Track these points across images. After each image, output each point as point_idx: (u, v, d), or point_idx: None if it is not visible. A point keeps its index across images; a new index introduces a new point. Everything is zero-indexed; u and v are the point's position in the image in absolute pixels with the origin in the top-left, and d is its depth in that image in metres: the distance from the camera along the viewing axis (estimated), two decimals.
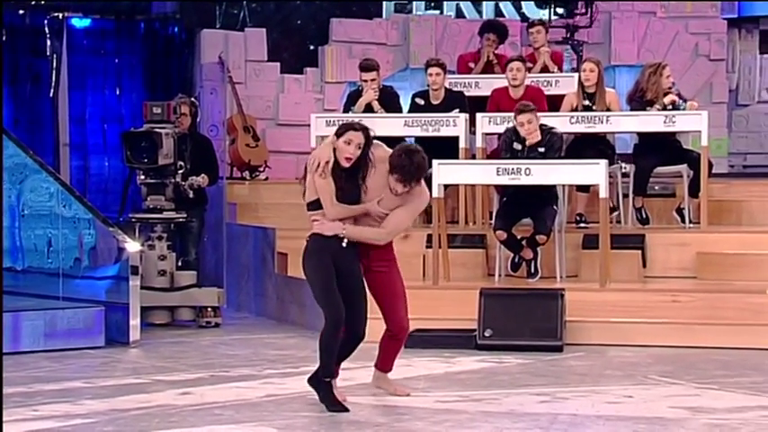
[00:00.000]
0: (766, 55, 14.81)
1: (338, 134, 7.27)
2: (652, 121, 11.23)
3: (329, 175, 7.20)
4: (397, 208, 7.36)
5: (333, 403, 7.26)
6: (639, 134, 11.56)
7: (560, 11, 14.40)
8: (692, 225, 11.32)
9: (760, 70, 14.80)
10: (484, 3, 14.95)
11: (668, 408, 7.50)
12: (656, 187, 11.74)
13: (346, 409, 7.23)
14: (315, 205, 7.30)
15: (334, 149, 7.22)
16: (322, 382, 7.32)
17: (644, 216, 11.50)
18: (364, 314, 7.41)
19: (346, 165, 7.21)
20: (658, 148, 11.34)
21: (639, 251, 10.88)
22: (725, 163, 13.92)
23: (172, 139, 11.09)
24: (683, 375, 8.53)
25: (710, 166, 11.56)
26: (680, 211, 11.45)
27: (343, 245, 7.30)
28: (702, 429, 6.93)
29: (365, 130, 7.30)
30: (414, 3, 15.15)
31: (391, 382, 7.90)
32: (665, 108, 11.19)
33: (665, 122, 11.18)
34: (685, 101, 11.44)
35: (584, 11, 14.29)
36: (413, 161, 7.22)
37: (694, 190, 11.26)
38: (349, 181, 7.28)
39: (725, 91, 14.52)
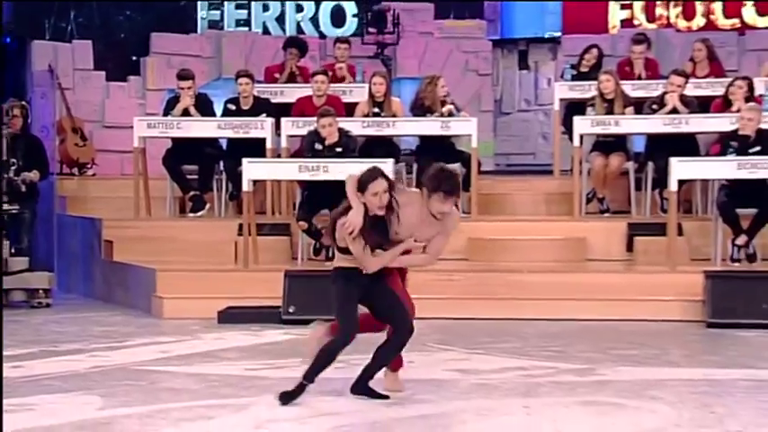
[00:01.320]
0: (524, 71, 15.20)
1: (361, 189, 6.46)
2: (430, 126, 11.43)
3: (359, 234, 6.40)
4: (436, 235, 6.66)
5: (285, 402, 6.53)
6: (421, 137, 11.73)
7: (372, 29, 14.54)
8: (464, 215, 11.48)
9: (519, 84, 15.19)
10: (287, 20, 15.00)
11: (443, 370, 7.64)
12: None
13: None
14: (347, 250, 6.54)
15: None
16: (302, 383, 6.56)
17: None
18: (407, 315, 6.73)
19: (382, 213, 6.40)
20: (436, 150, 11.50)
21: None
22: (491, 162, 14.18)
23: (4, 138, 10.93)
24: (455, 342, 8.68)
25: (479, 164, 11.80)
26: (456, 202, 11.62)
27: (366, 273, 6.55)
28: (471, 388, 7.08)
29: (383, 174, 6.47)
30: (225, 20, 15.09)
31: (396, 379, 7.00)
32: (442, 115, 11.41)
33: (441, 127, 11.41)
34: (459, 110, 11.68)
35: (392, 29, 14.45)
36: (451, 175, 6.56)
37: (466, 185, 11.45)
38: (378, 229, 6.45)
39: (491, 101, 14.82)
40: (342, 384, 6.98)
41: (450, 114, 11.48)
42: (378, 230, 6.44)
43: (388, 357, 6.75)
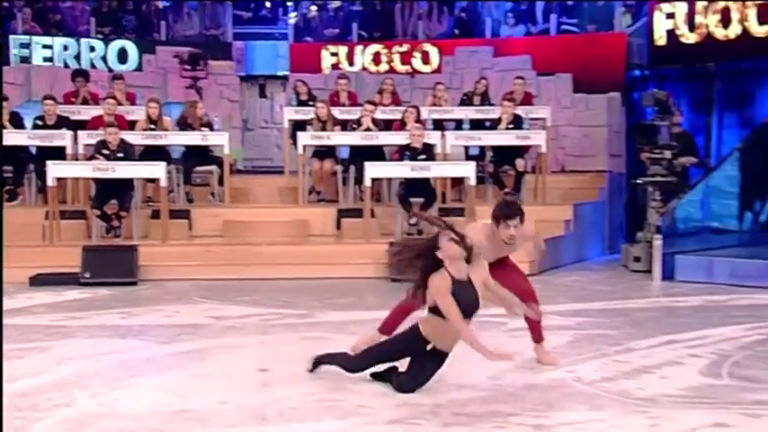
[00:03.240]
0: (263, 99, 15.15)
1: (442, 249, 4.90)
2: (193, 138, 11.22)
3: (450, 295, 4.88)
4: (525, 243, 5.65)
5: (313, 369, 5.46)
6: (186, 146, 11.49)
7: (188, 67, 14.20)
8: (221, 202, 11.40)
9: (260, 108, 15.13)
10: (82, 58, 14.37)
11: (202, 317, 7.55)
12: (198, 179, 11.72)
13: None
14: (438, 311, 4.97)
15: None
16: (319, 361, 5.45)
17: (190, 197, 11.47)
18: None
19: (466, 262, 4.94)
20: (198, 156, 11.34)
21: (187, 219, 10.85)
22: (242, 164, 14.04)
23: None
24: (212, 297, 8.56)
25: (232, 166, 11.69)
26: (213, 194, 11.49)
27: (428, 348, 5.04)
28: (222, 330, 7.02)
29: (463, 237, 4.91)
30: (34, 55, 14.29)
31: (546, 351, 5.80)
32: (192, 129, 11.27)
33: (201, 139, 11.24)
34: (214, 127, 11.62)
35: (203, 67, 14.16)
36: (509, 203, 5.61)
37: (221, 182, 11.32)
38: (464, 288, 4.93)
39: (240, 120, 14.68)
40: (125, 330, 6.82)
41: (210, 129, 11.38)
42: (466, 291, 4.92)
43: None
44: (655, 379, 5.35)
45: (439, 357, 5.03)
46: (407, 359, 5.08)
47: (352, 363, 5.28)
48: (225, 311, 7.82)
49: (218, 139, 11.31)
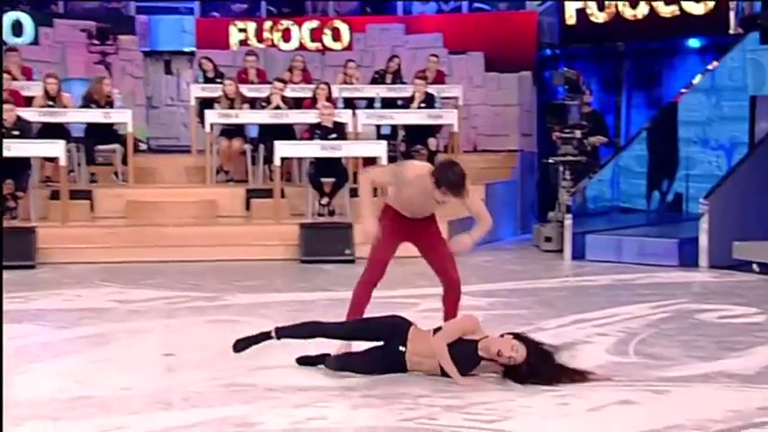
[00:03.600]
0: (168, 75, 14.88)
1: None
2: (95, 115, 10.95)
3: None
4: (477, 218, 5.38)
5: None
6: (88, 124, 11.20)
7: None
8: (124, 183, 11.19)
9: (165, 85, 14.85)
10: None
11: (105, 301, 7.41)
12: (101, 159, 11.47)
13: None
14: None
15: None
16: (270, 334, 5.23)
17: (94, 178, 11.20)
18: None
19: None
20: (101, 133, 11.09)
21: (89, 200, 10.60)
22: (145, 143, 13.78)
23: None
24: (115, 280, 8.44)
25: (136, 144, 11.48)
26: (116, 174, 11.27)
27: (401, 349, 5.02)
28: (125, 314, 6.90)
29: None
30: None
31: None
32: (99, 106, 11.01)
33: (104, 116, 11.00)
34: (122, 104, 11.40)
35: (112, 42, 13.81)
36: (459, 178, 5.24)
37: (124, 160, 11.12)
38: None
39: (143, 97, 14.38)
40: (21, 315, 6.64)
41: (112, 106, 11.14)
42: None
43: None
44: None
45: (398, 365, 4.98)
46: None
47: (333, 329, 5.17)
48: (128, 295, 7.70)
49: (120, 117, 11.07)
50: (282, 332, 5.19)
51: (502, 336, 4.96)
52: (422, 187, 5.24)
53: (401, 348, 4.96)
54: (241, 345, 5.25)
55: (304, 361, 5.20)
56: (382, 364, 5.00)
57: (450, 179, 5.17)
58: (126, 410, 4.48)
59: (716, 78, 11.37)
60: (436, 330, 5.03)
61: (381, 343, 5.04)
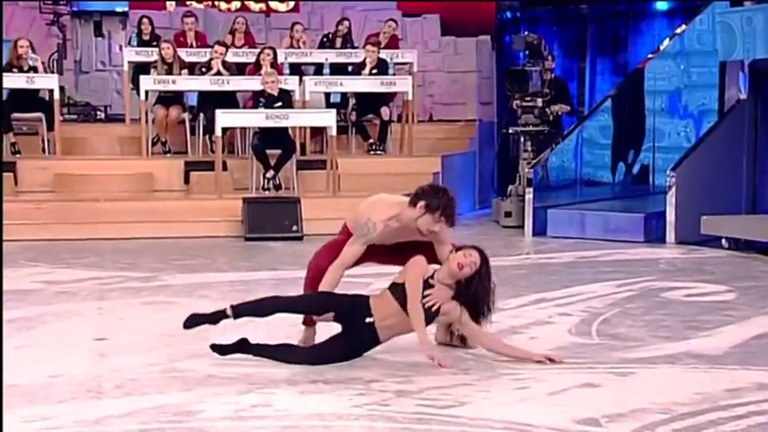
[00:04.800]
0: (99, 38, 14.63)
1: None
2: (17, 81, 10.71)
3: None
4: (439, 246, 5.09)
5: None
6: (10, 89, 10.97)
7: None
8: (51, 155, 11.01)
9: (95, 48, 14.60)
10: None
11: (30, 282, 7.31)
12: (24, 128, 11.26)
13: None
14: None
15: None
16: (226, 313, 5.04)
17: (16, 149, 11.00)
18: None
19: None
20: (23, 101, 10.88)
21: (12, 173, 10.41)
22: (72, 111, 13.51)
23: None
24: (42, 259, 8.31)
25: (62, 112, 11.30)
26: (44, 141, 11.06)
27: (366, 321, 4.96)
28: (53, 296, 6.82)
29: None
30: None
31: None
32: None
33: (26, 81, 10.80)
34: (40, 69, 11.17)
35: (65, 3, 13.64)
36: (452, 201, 5.00)
37: (50, 127, 10.92)
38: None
39: (72, 61, 14.14)
40: None
41: (35, 71, 10.92)
42: None
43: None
44: (524, 339, 5.51)
45: (371, 337, 4.93)
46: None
47: (295, 303, 5.05)
48: (57, 275, 7.62)
49: (45, 82, 10.88)
50: (239, 310, 5.00)
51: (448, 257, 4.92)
52: (399, 226, 4.99)
53: (368, 320, 4.92)
54: (193, 321, 5.03)
55: (221, 349, 4.97)
56: (355, 343, 4.94)
57: (444, 203, 4.89)
58: (53, 399, 4.41)
59: (684, 43, 11.48)
60: (392, 289, 4.95)
61: (340, 330, 4.98)
